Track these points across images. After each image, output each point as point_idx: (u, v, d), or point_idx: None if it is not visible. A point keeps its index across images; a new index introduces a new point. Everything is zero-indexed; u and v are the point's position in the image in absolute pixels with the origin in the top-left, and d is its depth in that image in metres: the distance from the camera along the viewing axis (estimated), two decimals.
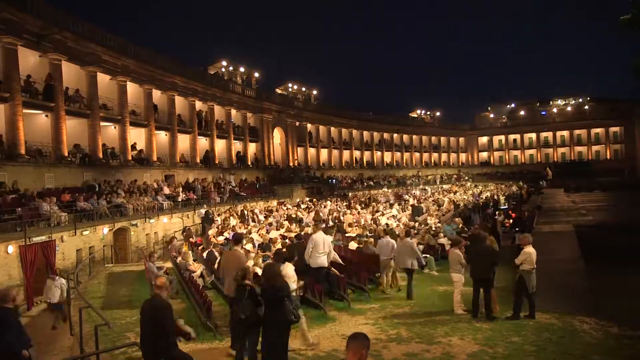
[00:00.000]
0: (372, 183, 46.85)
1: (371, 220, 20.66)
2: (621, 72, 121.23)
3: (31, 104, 18.99)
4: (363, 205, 28.15)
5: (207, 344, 7.34)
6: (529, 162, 62.73)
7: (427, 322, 7.89)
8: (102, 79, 22.95)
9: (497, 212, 24.59)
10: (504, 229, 19.66)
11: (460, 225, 18.97)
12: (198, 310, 8.84)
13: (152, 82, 26.31)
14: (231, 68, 38.38)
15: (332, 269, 9.64)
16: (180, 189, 23.71)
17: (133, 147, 24.87)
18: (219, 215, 21.86)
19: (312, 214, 22.39)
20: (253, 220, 20.81)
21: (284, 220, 20.30)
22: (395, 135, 58.77)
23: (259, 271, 6.83)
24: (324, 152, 48.67)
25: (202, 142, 31.46)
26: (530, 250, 7.79)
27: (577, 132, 61.23)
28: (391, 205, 27.36)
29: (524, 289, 7.64)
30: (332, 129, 49.42)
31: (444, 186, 50.26)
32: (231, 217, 20.44)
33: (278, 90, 45.70)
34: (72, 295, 9.52)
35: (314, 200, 31.54)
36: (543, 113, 66.76)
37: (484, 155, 66.63)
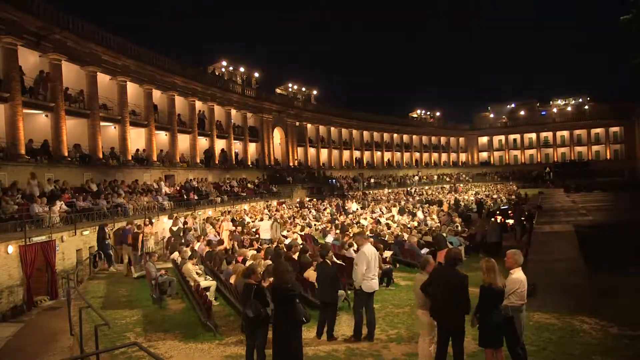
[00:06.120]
0: (372, 183, 46.87)
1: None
2: (621, 72, 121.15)
3: (31, 104, 19.01)
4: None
5: (207, 344, 7.33)
6: (529, 162, 62.79)
7: None
8: (102, 79, 22.95)
9: (497, 212, 24.62)
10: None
11: (460, 225, 18.99)
12: (198, 310, 8.83)
13: (152, 82, 26.31)
14: (231, 68, 38.46)
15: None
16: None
17: (137, 150, 24.98)
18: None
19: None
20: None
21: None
22: (395, 135, 58.80)
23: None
24: (324, 152, 48.69)
25: (202, 142, 31.48)
26: (520, 276, 5.41)
27: (577, 132, 61.27)
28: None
29: (513, 335, 5.31)
30: (332, 129, 49.44)
31: (444, 186, 50.37)
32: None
33: (278, 90, 45.78)
34: (72, 295, 9.51)
35: (314, 200, 31.59)
36: (543, 113, 66.82)
37: (484, 155, 66.69)
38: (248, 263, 10.16)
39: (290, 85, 47.23)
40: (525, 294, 5.36)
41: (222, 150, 32.99)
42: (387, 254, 12.70)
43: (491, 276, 5.18)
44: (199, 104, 31.09)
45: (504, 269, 5.56)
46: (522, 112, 67.60)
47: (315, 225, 22.29)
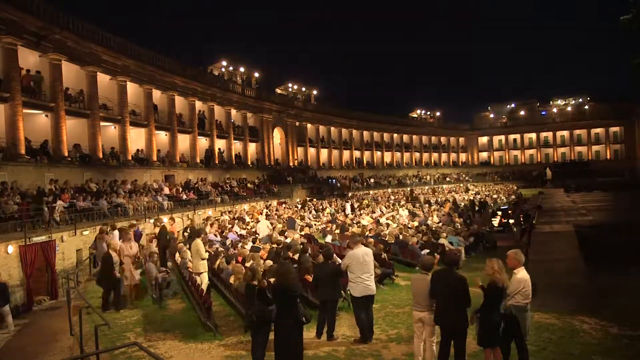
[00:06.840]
0: (372, 182, 46.85)
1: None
2: (621, 72, 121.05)
3: (31, 104, 19.01)
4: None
5: (207, 344, 7.33)
6: (529, 162, 62.80)
7: None
8: (102, 79, 22.95)
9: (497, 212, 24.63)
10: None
11: (460, 224, 18.96)
12: (198, 310, 8.84)
13: (152, 82, 26.32)
14: (231, 68, 38.46)
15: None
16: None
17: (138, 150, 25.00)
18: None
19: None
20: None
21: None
22: (395, 135, 58.81)
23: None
24: (324, 152, 48.70)
25: (202, 142, 31.48)
26: (524, 275, 5.53)
27: (577, 132, 61.29)
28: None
29: (514, 334, 5.37)
30: (332, 129, 49.45)
31: (444, 186, 50.36)
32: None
33: (278, 90, 45.79)
34: (72, 295, 9.51)
35: (314, 200, 31.58)
36: (543, 113, 66.83)
37: (484, 155, 66.72)
38: (248, 263, 10.19)
39: (290, 85, 47.24)
40: (529, 293, 5.46)
41: (219, 150, 32.92)
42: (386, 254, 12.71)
43: (504, 277, 5.32)
44: (199, 104, 31.09)
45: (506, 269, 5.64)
46: (522, 112, 67.61)
47: (315, 225, 22.29)
